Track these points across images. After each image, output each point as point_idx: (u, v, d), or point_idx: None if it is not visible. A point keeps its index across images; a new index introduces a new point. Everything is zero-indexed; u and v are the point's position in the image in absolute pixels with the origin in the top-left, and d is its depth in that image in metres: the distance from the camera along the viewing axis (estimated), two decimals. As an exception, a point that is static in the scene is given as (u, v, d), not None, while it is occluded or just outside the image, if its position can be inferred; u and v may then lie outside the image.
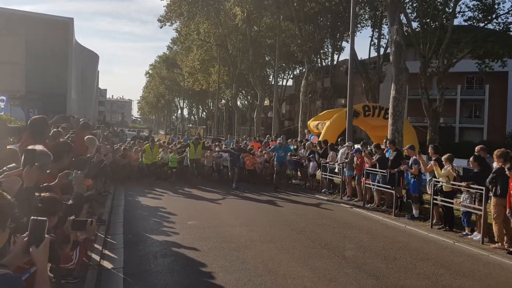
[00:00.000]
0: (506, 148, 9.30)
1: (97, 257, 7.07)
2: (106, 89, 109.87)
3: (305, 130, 25.92)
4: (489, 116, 46.98)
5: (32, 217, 2.17)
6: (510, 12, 26.62)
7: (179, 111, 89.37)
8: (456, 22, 28.13)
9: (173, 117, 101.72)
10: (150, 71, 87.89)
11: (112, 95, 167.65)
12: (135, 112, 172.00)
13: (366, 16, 35.86)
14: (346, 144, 15.79)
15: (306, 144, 18.62)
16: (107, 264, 6.80)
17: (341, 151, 15.83)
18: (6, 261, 2.16)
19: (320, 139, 20.05)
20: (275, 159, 16.91)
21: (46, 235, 2.18)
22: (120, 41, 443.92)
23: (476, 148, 10.18)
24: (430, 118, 27.42)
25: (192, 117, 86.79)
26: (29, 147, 3.91)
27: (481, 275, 6.90)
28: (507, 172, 8.19)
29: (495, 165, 9.07)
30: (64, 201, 3.87)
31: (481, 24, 27.23)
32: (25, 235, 2.17)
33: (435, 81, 30.76)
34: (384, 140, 14.37)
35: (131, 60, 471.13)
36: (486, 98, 47.18)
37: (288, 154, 17.29)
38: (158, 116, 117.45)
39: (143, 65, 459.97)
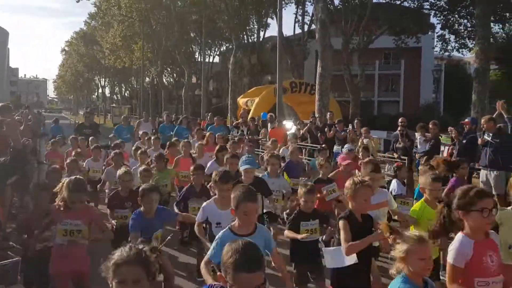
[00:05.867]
0: (420, 120, 10.14)
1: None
2: (17, 68, 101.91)
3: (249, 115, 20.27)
4: (404, 90, 49.99)
5: None
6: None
7: (100, 90, 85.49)
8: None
9: (94, 96, 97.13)
10: (67, 48, 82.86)
11: (25, 74, 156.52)
12: (51, 92, 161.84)
13: (290, -8, 36.25)
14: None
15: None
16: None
17: (269, 126, 16.06)
18: None
19: (249, 116, 20.18)
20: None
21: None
22: (32, 16, 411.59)
23: (401, 120, 10.93)
24: (352, 93, 28.72)
25: (114, 96, 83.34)
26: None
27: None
28: (480, 140, 8.91)
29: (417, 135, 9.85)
30: None
31: (398, 2, 28.77)
32: None
33: (355, 57, 32.11)
34: (311, 115, 14.75)
35: (44, 36, 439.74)
36: (401, 72, 50.09)
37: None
38: (77, 96, 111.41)
39: (59, 41, 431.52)
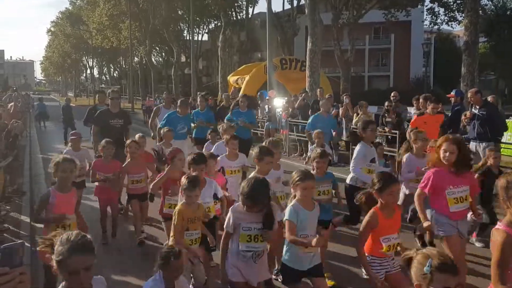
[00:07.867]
0: (410, 94, 10.30)
1: (26, 229, 6.86)
2: (3, 50, 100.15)
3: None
4: (394, 64, 50.00)
5: None
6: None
7: (88, 71, 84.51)
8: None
9: (82, 77, 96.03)
10: (53, 29, 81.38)
11: (11, 56, 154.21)
12: (38, 74, 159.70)
13: (278, -33, 35.81)
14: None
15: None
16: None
17: (262, 105, 16.20)
18: None
19: (240, 93, 20.14)
20: None
21: None
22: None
23: (393, 94, 11.05)
24: (342, 69, 28.67)
25: (103, 77, 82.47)
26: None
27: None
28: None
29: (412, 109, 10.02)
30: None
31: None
32: None
33: (345, 32, 31.94)
34: (300, 92, 14.81)
35: (30, 17, 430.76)
36: (391, 47, 49.99)
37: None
38: (65, 77, 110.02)
39: (45, 22, 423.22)
